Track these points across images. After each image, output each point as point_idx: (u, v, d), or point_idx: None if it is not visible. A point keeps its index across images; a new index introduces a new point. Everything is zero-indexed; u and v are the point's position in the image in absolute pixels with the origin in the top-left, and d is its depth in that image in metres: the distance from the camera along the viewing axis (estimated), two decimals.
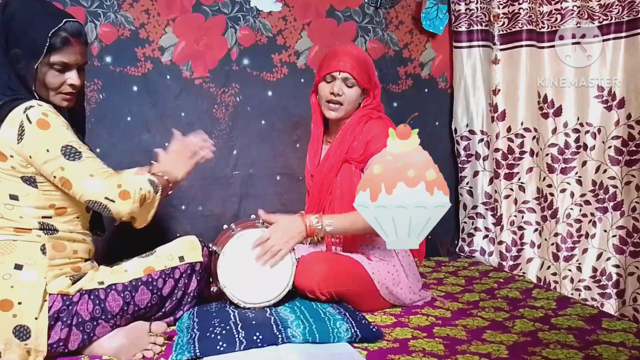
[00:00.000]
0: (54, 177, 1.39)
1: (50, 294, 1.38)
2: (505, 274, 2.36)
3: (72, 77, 1.46)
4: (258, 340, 1.44)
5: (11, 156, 1.38)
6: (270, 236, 1.67)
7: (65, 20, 1.42)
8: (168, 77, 2.35)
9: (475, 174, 2.70)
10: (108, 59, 2.26)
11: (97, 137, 2.16)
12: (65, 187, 1.41)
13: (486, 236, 2.69)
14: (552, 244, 2.59)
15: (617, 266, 2.51)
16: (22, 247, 1.40)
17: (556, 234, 2.58)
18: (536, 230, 2.60)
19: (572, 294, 2.51)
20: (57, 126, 1.39)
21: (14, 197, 1.40)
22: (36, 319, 1.35)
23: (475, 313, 1.78)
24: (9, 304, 1.34)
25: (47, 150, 1.37)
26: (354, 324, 1.53)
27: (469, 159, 2.72)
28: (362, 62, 1.83)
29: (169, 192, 1.61)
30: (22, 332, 1.33)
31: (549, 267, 2.59)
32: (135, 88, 2.31)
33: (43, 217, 1.43)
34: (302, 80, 2.50)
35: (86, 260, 1.54)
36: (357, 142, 1.81)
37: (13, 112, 1.37)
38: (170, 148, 1.66)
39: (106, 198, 1.39)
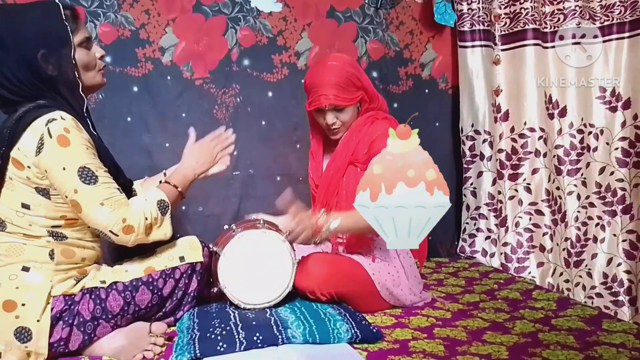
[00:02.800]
0: (66, 196, 1.39)
1: (53, 297, 1.38)
2: (506, 275, 2.35)
3: (97, 49, 1.51)
4: (258, 341, 1.44)
5: (28, 167, 1.37)
6: (296, 225, 1.66)
7: (57, 2, 1.42)
8: (168, 77, 2.35)
9: (480, 174, 2.69)
10: (108, 59, 2.25)
11: None
12: (74, 209, 1.40)
13: (488, 237, 2.67)
14: (564, 249, 2.55)
15: (628, 272, 2.46)
16: (31, 250, 1.40)
17: (566, 239, 2.55)
18: (546, 234, 2.56)
19: (584, 301, 2.45)
20: (77, 144, 1.37)
21: (25, 206, 1.39)
22: (38, 321, 1.34)
23: (476, 314, 1.78)
24: (13, 304, 1.34)
25: (64, 169, 1.36)
26: (354, 325, 1.52)
27: (474, 159, 2.70)
28: (341, 82, 1.76)
29: (182, 200, 1.66)
30: (23, 334, 1.33)
31: (561, 274, 2.55)
32: (135, 88, 2.31)
33: (53, 227, 1.42)
34: (303, 81, 2.49)
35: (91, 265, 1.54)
36: (362, 143, 1.80)
37: (36, 122, 1.35)
38: (207, 137, 1.72)
39: (110, 231, 1.41)
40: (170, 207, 1.53)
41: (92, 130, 1.48)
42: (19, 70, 1.37)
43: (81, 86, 1.45)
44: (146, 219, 1.45)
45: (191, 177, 1.66)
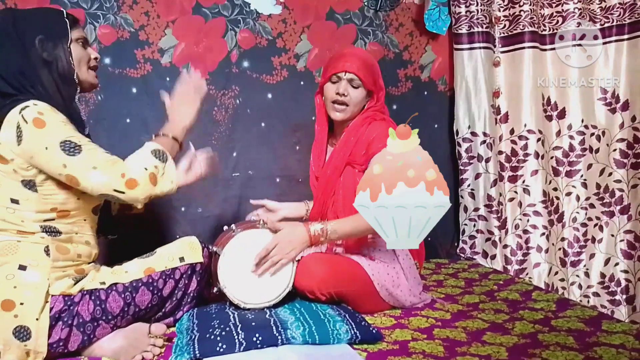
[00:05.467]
0: (60, 175, 1.38)
1: (52, 295, 1.38)
2: (505, 276, 2.35)
3: (92, 51, 1.57)
4: (258, 342, 1.44)
5: (12, 159, 1.37)
6: (275, 246, 1.66)
7: (60, 9, 1.54)
8: (167, 79, 2.34)
9: (477, 176, 2.69)
10: (107, 61, 2.26)
11: (95, 138, 2.13)
12: (73, 184, 1.40)
13: (488, 239, 2.68)
14: (559, 249, 2.56)
15: (625, 271, 2.48)
16: (26, 248, 1.40)
17: (563, 239, 2.55)
18: (543, 234, 2.57)
19: (580, 300, 2.47)
20: (54, 123, 1.38)
21: (14, 201, 1.40)
22: (37, 319, 1.34)
23: (475, 315, 1.78)
24: (11, 304, 1.33)
25: (46, 148, 1.36)
26: (353, 326, 1.52)
27: (471, 161, 2.71)
28: (368, 64, 1.83)
29: (179, 148, 1.60)
30: (22, 333, 1.33)
31: (556, 273, 2.56)
32: (134, 90, 2.31)
33: (45, 221, 1.42)
34: (302, 82, 2.50)
35: (89, 263, 1.54)
36: (359, 144, 1.81)
37: (10, 113, 1.37)
38: (175, 89, 1.67)
39: (114, 190, 1.39)
40: (167, 154, 1.50)
41: (81, 119, 1.51)
42: (16, 55, 1.41)
43: (75, 74, 1.49)
44: (146, 169, 1.42)
45: (181, 127, 1.61)
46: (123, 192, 1.39)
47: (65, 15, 1.49)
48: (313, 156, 2.00)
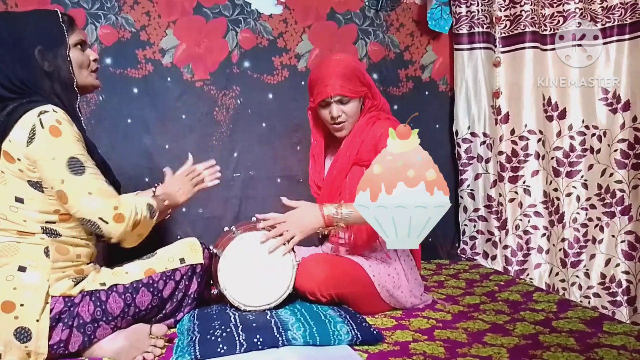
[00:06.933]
0: (52, 187, 1.39)
1: (52, 296, 1.38)
2: (506, 277, 2.35)
3: (91, 53, 1.56)
4: (258, 343, 1.44)
5: (19, 159, 1.37)
6: (287, 220, 1.66)
7: (55, 9, 1.51)
8: (169, 79, 2.35)
9: (477, 176, 2.70)
10: (108, 61, 2.26)
11: (96, 139, 2.14)
12: (60, 201, 1.40)
13: (489, 239, 2.68)
14: (560, 250, 2.56)
15: (626, 272, 2.48)
16: (26, 249, 1.39)
17: (563, 239, 2.56)
18: (544, 235, 2.58)
19: (580, 301, 2.48)
20: (68, 136, 1.39)
21: (19, 200, 1.40)
22: (37, 321, 1.34)
23: (476, 316, 1.77)
24: (11, 305, 1.33)
25: (53, 159, 1.36)
26: (354, 327, 1.52)
27: (470, 162, 2.71)
28: (347, 74, 1.79)
29: (167, 217, 1.69)
30: (22, 334, 1.33)
31: (557, 274, 2.56)
32: (135, 90, 2.31)
33: (47, 222, 1.42)
34: (303, 83, 2.50)
35: (88, 263, 1.54)
36: (365, 143, 1.81)
37: (27, 114, 1.37)
38: (179, 171, 1.77)
39: (100, 218, 1.40)
40: (157, 214, 1.54)
41: (82, 126, 1.50)
42: (17, 66, 1.41)
43: (75, 83, 1.48)
44: (136, 213, 1.45)
45: (175, 201, 1.71)
46: (107, 223, 1.40)
47: (61, 20, 1.46)
48: (312, 167, 1.99)
